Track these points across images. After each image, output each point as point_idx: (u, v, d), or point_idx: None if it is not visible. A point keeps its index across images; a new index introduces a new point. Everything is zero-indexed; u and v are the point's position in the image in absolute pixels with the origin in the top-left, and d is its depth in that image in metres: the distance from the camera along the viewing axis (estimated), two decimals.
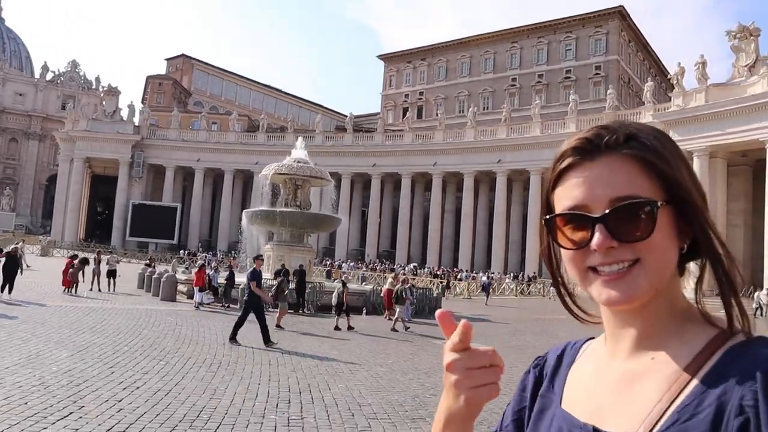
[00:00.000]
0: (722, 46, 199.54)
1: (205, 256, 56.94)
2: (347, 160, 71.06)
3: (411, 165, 69.69)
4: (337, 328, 18.76)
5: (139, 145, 76.02)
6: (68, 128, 76.88)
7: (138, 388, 9.04)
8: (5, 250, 24.48)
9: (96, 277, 27.91)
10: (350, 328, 19.01)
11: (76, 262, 26.14)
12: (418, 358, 14.01)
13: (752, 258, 50.71)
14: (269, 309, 18.48)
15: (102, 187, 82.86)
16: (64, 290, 25.04)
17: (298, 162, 31.26)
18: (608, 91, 60.42)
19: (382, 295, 24.55)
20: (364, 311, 24.90)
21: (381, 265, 60.96)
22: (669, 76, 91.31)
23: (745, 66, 48.56)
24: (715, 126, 47.96)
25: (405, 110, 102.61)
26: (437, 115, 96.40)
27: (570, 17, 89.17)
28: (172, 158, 76.99)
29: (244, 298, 16.23)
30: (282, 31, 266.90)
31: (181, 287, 26.90)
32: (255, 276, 15.60)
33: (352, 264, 59.10)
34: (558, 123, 62.15)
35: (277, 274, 24.24)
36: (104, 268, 28.49)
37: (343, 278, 23.75)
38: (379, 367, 12.36)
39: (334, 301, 20.24)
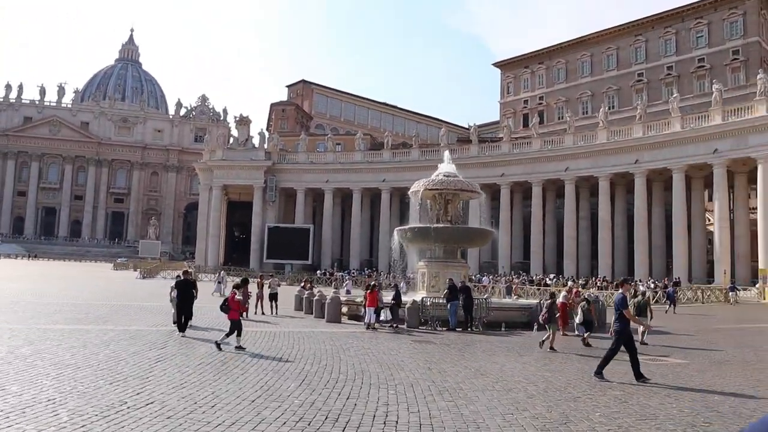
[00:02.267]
0: None
1: (348, 275, 58.13)
2: (474, 172, 69.68)
3: (540, 172, 67.73)
4: (587, 344, 18.85)
5: (270, 170, 79.22)
6: (206, 158, 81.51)
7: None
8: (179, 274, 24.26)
9: (260, 301, 28.75)
10: (587, 344, 19.01)
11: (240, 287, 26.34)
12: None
13: None
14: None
15: (237, 212, 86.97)
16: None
17: (448, 176, 30.89)
18: (758, 76, 55.65)
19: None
20: (535, 327, 23.94)
21: (520, 276, 59.35)
22: None
23: None
24: None
25: (525, 117, 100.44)
26: (559, 119, 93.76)
27: (699, 1, 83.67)
28: (302, 181, 79.59)
29: (614, 327, 13.46)
30: (389, 49, 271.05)
31: (344, 309, 27.20)
32: (624, 303, 13.28)
33: (490, 277, 57.85)
34: (701, 116, 58.07)
35: (452, 290, 23.79)
36: (266, 292, 29.33)
37: (586, 296, 23.08)
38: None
39: (579, 319, 20.22)
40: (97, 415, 8.46)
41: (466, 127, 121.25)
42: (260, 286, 30.41)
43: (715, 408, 9.91)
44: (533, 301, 28.60)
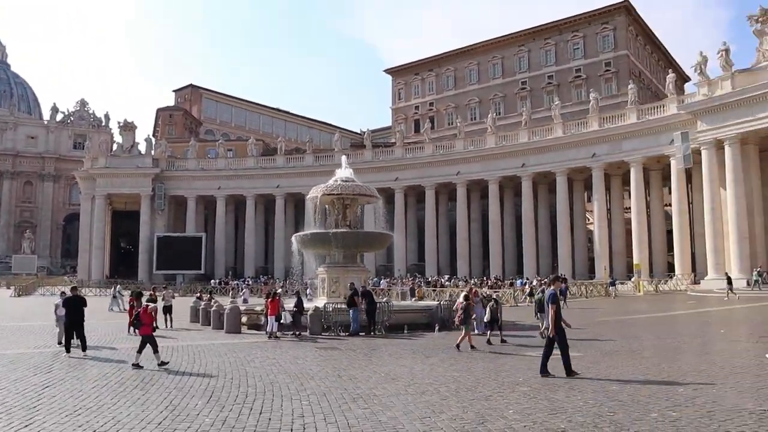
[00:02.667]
0: (726, 34, 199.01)
1: (244, 283, 56.74)
2: (368, 176, 70.12)
3: (433, 176, 69.39)
4: (489, 342, 19.11)
5: (159, 178, 76.08)
6: (87, 166, 77.06)
7: None
8: (64, 291, 22.84)
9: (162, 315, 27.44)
10: (503, 341, 19.44)
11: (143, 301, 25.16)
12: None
13: None
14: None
15: (123, 222, 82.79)
16: (130, 331, 24.35)
17: (346, 181, 30.91)
18: (629, 86, 59.97)
19: (455, 309, 23.98)
20: (437, 328, 24.43)
21: (416, 278, 60.31)
22: (676, 68, 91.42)
23: None
24: (745, 112, 47.53)
25: (416, 122, 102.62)
26: (449, 124, 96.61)
27: (575, 16, 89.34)
28: (192, 188, 77.05)
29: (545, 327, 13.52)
30: (280, 55, 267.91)
31: (243, 318, 26.51)
32: (555, 298, 13.38)
33: (387, 280, 58.47)
34: (581, 122, 61.74)
35: (354, 295, 23.74)
36: (160, 304, 28.05)
37: (494, 296, 23.33)
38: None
39: (487, 318, 20.16)
40: None
41: (359, 132, 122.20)
42: (153, 299, 29.09)
43: (616, 397, 10.45)
44: (433, 303, 29.14)
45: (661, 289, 50.39)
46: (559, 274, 20.48)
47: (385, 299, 28.09)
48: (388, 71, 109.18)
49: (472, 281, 53.40)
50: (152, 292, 29.94)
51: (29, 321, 31.19)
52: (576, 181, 64.70)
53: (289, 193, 75.78)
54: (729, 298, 38.07)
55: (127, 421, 9.08)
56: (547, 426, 8.52)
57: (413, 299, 34.48)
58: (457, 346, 17.92)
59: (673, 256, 56.60)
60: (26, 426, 8.89)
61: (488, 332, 20.11)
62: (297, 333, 23.26)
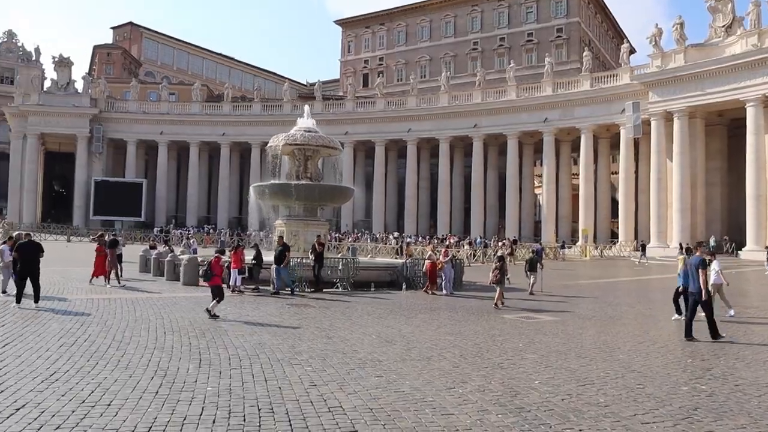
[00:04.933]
0: (677, 9, 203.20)
1: (188, 233, 55.06)
2: (319, 129, 69.27)
3: (384, 132, 68.71)
4: (499, 303, 18.72)
5: (97, 119, 72.35)
6: (17, 102, 72.38)
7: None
8: (12, 235, 21.16)
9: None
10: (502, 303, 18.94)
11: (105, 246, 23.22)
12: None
13: (729, 214, 52.32)
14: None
15: (57, 164, 78.85)
16: (91, 280, 23.02)
17: (308, 131, 29.89)
18: (584, 54, 60.62)
19: (424, 269, 23.76)
20: (404, 287, 24.16)
21: (362, 234, 60.07)
22: (623, 39, 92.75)
23: (722, 26, 49.31)
24: (695, 86, 48.74)
25: (365, 76, 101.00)
26: (398, 80, 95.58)
27: None
28: (133, 132, 73.73)
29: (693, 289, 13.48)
30: None
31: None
32: (704, 264, 13.57)
33: (336, 235, 57.91)
34: (535, 86, 62.03)
35: (283, 251, 22.18)
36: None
37: (504, 252, 23.58)
38: None
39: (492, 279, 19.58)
40: None
41: (305, 83, 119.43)
42: (153, 247, 27.90)
43: (631, 367, 10.29)
44: (397, 261, 28.85)
45: (605, 254, 51.87)
46: (702, 242, 20.77)
47: (352, 258, 27.43)
48: (338, 22, 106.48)
49: (451, 240, 53.11)
50: (151, 241, 28.59)
51: None
52: (526, 144, 65.32)
53: (235, 142, 73.70)
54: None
55: (117, 389, 7.95)
56: (585, 399, 8.14)
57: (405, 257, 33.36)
58: (496, 304, 18.41)
59: (616, 223, 58.26)
60: None
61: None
62: (256, 287, 22.49)
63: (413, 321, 15.57)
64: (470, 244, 50.33)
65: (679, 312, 15.92)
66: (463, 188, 68.74)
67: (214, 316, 14.62)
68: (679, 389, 8.76)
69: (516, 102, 61.33)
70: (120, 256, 26.72)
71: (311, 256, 23.49)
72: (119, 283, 22.39)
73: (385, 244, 51.90)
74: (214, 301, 14.96)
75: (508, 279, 21.30)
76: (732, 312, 16.51)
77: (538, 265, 23.97)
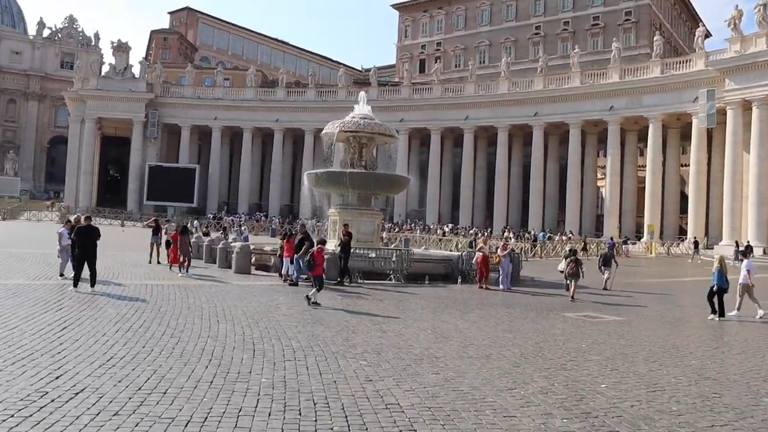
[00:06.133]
0: None
1: (239, 220, 54.53)
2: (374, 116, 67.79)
3: (440, 119, 66.72)
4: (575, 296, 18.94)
5: (152, 104, 72.63)
6: (77, 87, 73.37)
7: None
8: (70, 219, 20.97)
9: (156, 249, 25.29)
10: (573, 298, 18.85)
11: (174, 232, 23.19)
12: None
13: None
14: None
15: (113, 148, 79.72)
16: (170, 266, 22.71)
17: (364, 118, 28.39)
18: (655, 39, 57.08)
19: (474, 262, 22.18)
20: (459, 280, 22.60)
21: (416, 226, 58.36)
22: (698, 22, 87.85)
23: None
24: None
25: (422, 62, 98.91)
26: (456, 66, 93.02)
27: None
28: (187, 117, 73.69)
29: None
30: None
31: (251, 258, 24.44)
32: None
33: (389, 226, 56.39)
34: (600, 73, 58.98)
35: (303, 239, 20.53)
36: (164, 238, 25.78)
37: (574, 247, 23.58)
38: None
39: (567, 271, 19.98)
40: (12, 415, 5.96)
41: (360, 69, 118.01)
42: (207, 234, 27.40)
43: (705, 374, 9.48)
44: (453, 254, 27.21)
45: (672, 252, 48.81)
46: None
47: (406, 249, 25.99)
48: (395, 6, 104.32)
49: (507, 234, 51.11)
50: (206, 229, 28.17)
51: (20, 248, 29.21)
52: (589, 134, 62.32)
53: (288, 128, 72.91)
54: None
55: (172, 377, 7.72)
56: (656, 407, 7.39)
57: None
58: (572, 297, 18.65)
59: (684, 218, 54.94)
60: (57, 378, 7.41)
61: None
62: (308, 278, 21.15)
63: (469, 316, 14.82)
64: (534, 239, 47.94)
65: (714, 311, 15.59)
66: (521, 179, 66.18)
67: (314, 304, 14.83)
68: (761, 400, 7.98)
69: (580, 89, 58.39)
70: (169, 243, 25.83)
71: (337, 246, 21.97)
72: (180, 271, 21.48)
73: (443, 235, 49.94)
74: (314, 289, 15.25)
75: (582, 272, 19.79)
76: (761, 312, 15.89)
77: (613, 260, 23.22)
